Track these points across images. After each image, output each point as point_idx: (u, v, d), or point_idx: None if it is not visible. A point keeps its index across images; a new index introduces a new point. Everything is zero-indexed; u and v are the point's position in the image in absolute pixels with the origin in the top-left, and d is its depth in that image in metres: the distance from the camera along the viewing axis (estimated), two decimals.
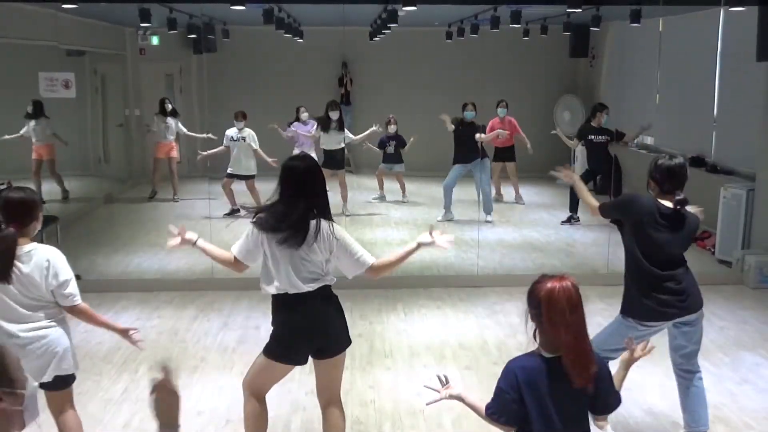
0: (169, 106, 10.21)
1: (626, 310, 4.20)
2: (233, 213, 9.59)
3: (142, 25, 8.39)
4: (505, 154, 10.21)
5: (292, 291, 3.62)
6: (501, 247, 8.78)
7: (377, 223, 9.82)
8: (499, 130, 9.75)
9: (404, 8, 7.56)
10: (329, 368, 3.78)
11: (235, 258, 3.73)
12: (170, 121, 10.19)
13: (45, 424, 4.54)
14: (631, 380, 5.20)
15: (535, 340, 2.67)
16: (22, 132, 9.42)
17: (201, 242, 3.83)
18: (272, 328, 3.76)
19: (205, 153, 9.61)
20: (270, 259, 3.64)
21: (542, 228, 9.53)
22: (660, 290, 4.08)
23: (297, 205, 3.56)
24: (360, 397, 4.98)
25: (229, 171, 9.62)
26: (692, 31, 9.86)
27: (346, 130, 9.74)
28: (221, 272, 7.79)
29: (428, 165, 10.29)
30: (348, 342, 3.79)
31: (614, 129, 9.69)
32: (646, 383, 5.22)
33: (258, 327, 6.18)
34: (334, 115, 9.59)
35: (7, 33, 8.32)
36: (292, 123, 9.96)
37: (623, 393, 5.10)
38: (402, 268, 7.95)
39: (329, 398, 3.83)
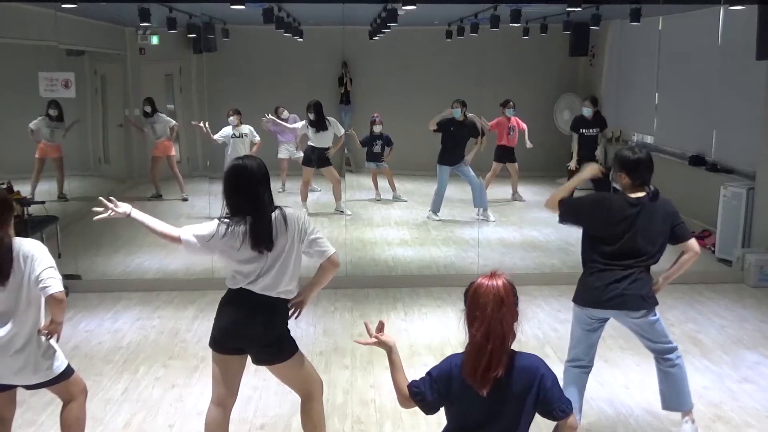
0: (149, 108, 10.21)
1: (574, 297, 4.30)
2: None
3: (141, 24, 8.38)
4: (507, 154, 10.20)
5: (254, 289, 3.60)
6: (501, 246, 8.78)
7: (377, 222, 9.83)
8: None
9: (404, 7, 7.56)
10: (278, 371, 3.78)
11: (179, 238, 3.64)
12: (156, 118, 10.20)
13: (44, 424, 4.55)
14: (631, 379, 5.22)
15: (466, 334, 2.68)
16: (31, 126, 9.41)
17: (135, 213, 3.78)
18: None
19: (199, 124, 9.57)
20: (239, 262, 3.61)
21: (542, 227, 9.53)
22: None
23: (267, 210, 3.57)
24: (360, 397, 4.98)
25: None
26: (692, 30, 9.85)
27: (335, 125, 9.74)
28: (221, 272, 7.78)
29: (429, 164, 10.26)
30: (285, 355, 3.68)
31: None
32: (647, 382, 5.22)
33: None
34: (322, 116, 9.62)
35: (7, 33, 8.31)
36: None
37: (623, 391, 5.13)
38: (402, 267, 8.01)
39: (299, 393, 3.87)
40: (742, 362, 5.59)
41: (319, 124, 9.53)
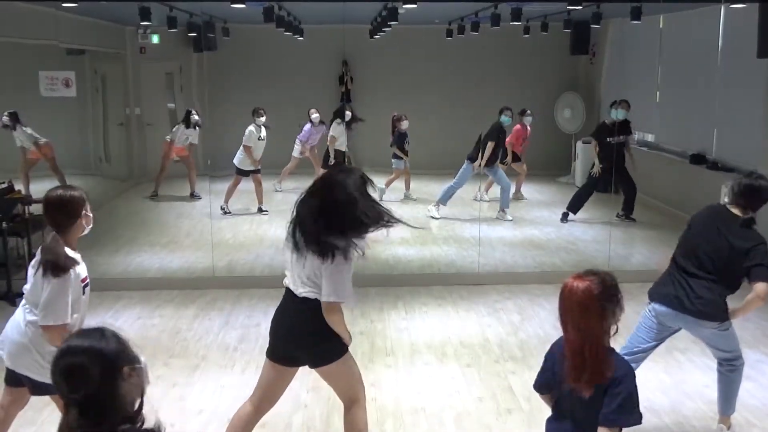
0: (196, 118, 10.22)
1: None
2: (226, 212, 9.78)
3: (142, 23, 8.39)
4: (516, 156, 10.27)
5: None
6: (502, 245, 8.78)
7: None
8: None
9: (404, 6, 7.56)
10: (323, 376, 3.77)
11: None
12: (190, 132, 10.23)
13: (45, 423, 4.55)
14: None
15: None
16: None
17: None
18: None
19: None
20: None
21: (543, 226, 9.53)
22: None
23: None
24: None
25: (248, 168, 9.71)
26: (693, 28, 9.85)
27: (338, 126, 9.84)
28: (222, 271, 7.82)
29: (430, 163, 10.28)
30: (323, 360, 3.66)
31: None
32: (647, 380, 5.22)
33: (259, 325, 6.18)
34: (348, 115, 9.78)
35: (7, 32, 8.31)
36: (304, 125, 10.09)
37: None
38: (403, 266, 8.00)
39: (342, 401, 3.84)
40: (744, 360, 5.58)
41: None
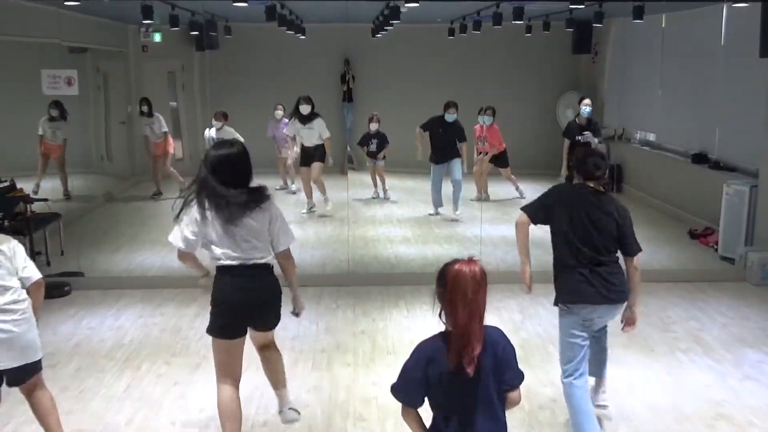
0: (145, 108, 10.13)
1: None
2: None
3: (144, 22, 8.38)
4: (497, 160, 10.16)
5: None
6: (503, 244, 8.76)
7: (379, 220, 9.82)
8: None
9: (406, 5, 7.56)
10: (266, 334, 4.20)
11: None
12: (152, 119, 10.09)
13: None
14: (633, 376, 5.22)
15: (441, 320, 2.76)
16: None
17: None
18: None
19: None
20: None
21: (545, 225, 9.50)
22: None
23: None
24: (363, 395, 4.98)
25: None
26: (695, 28, 9.84)
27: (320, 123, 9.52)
28: None
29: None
30: (277, 320, 4.11)
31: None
32: (648, 379, 5.23)
33: None
34: (304, 110, 9.38)
35: (10, 30, 8.31)
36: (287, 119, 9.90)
37: (625, 389, 5.12)
38: (404, 265, 8.00)
39: (263, 345, 4.28)
40: (745, 360, 5.59)
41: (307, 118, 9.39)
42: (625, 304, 4.16)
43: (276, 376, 4.34)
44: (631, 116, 11.38)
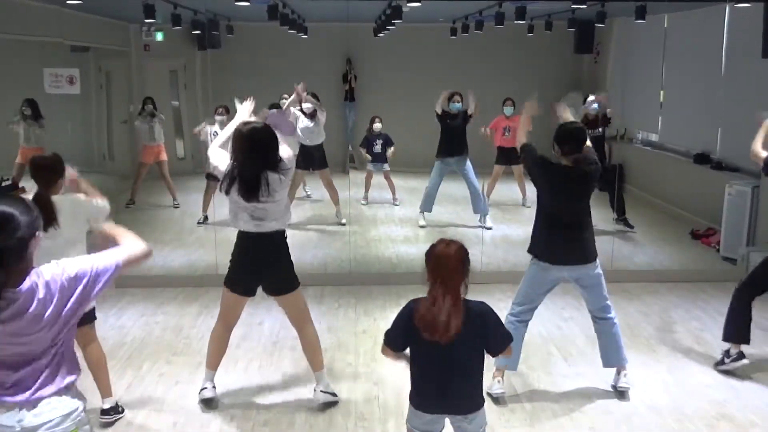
0: (150, 107, 9.82)
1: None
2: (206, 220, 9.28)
3: (146, 21, 8.37)
4: (510, 155, 10.01)
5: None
6: (505, 243, 8.77)
7: (381, 220, 9.82)
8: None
9: (409, 4, 7.55)
10: (287, 304, 4.59)
11: None
12: (154, 121, 9.82)
13: None
14: (634, 376, 5.21)
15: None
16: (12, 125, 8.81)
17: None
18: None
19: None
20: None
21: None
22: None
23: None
24: (364, 394, 4.98)
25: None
26: (697, 28, 9.83)
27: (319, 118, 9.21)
28: (224, 268, 7.79)
29: (433, 162, 10.24)
30: (295, 284, 4.53)
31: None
32: (649, 379, 5.23)
33: (261, 323, 6.20)
34: (307, 108, 9.13)
35: (12, 29, 8.32)
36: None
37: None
38: (406, 264, 7.99)
39: (295, 325, 4.70)
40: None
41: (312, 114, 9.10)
42: None
43: (309, 357, 4.74)
44: (633, 116, 11.36)
